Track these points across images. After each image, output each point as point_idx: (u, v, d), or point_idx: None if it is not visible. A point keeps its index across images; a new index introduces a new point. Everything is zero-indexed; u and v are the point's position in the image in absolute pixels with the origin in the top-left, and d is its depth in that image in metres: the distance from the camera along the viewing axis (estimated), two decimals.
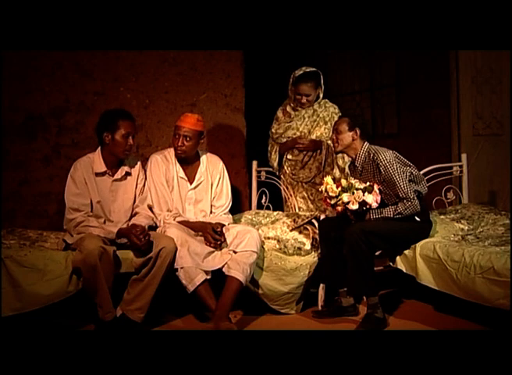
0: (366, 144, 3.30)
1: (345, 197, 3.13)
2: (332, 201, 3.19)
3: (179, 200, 3.40)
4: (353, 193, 3.13)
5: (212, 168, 3.48)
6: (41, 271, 2.93)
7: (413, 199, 3.15)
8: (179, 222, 3.29)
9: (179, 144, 3.31)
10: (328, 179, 3.24)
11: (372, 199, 3.13)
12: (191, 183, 3.41)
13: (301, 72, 3.77)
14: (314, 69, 3.79)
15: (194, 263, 3.09)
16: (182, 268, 3.07)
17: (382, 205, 3.21)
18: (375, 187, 3.16)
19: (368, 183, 3.17)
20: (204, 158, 3.47)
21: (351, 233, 3.10)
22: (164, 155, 3.42)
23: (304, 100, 3.79)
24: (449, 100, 4.50)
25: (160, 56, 4.18)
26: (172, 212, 3.34)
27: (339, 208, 3.20)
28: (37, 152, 4.00)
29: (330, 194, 3.19)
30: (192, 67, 4.27)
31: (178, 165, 3.40)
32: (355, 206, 3.13)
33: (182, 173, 3.40)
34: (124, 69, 4.15)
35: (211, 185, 3.46)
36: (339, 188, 3.16)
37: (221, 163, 3.52)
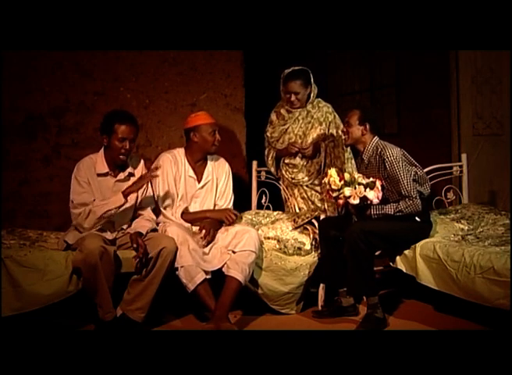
0: (376, 138, 3.30)
1: (347, 191, 3.14)
2: (334, 194, 3.20)
3: (186, 198, 3.43)
4: (356, 188, 3.13)
5: (218, 168, 3.55)
6: (41, 271, 2.93)
7: (415, 198, 3.15)
8: (189, 213, 3.41)
9: (218, 138, 3.44)
10: (333, 171, 3.23)
11: (373, 195, 3.12)
12: (199, 182, 3.45)
13: (290, 70, 3.76)
14: (302, 67, 3.77)
15: (195, 262, 3.10)
16: (182, 267, 3.07)
17: (385, 201, 3.21)
18: (378, 183, 3.15)
19: (370, 179, 3.17)
20: (210, 159, 3.53)
21: (351, 233, 3.10)
22: (173, 154, 3.47)
23: (293, 98, 3.75)
24: (449, 100, 4.50)
25: (160, 56, 4.18)
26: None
27: (341, 202, 3.21)
28: (37, 152, 4.00)
29: (333, 187, 3.19)
30: (192, 67, 4.27)
31: (187, 164, 3.45)
32: (356, 201, 3.13)
33: (191, 172, 3.45)
34: (124, 69, 4.14)
35: (217, 185, 3.52)
36: (342, 182, 3.17)
37: (226, 164, 3.60)
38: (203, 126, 3.41)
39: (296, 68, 3.76)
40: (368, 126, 3.27)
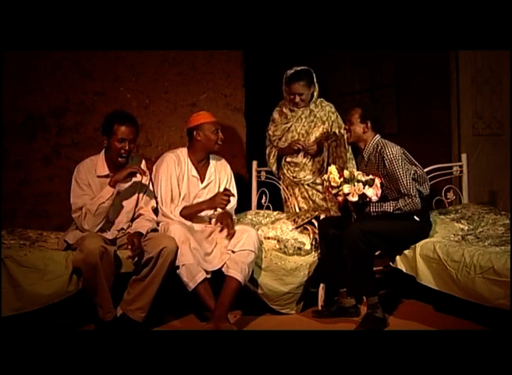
0: (377, 136, 3.30)
1: (346, 188, 3.15)
2: (334, 191, 3.22)
3: (188, 198, 3.44)
4: (355, 185, 3.14)
5: (220, 169, 3.57)
6: (41, 271, 2.93)
7: (414, 197, 3.15)
8: (186, 207, 3.37)
9: (221, 136, 3.45)
10: (333, 168, 3.25)
11: (372, 193, 3.13)
12: (202, 182, 3.47)
13: (292, 71, 3.76)
14: (305, 67, 3.78)
15: (196, 261, 3.10)
16: (183, 265, 3.08)
17: (385, 199, 3.21)
18: (377, 180, 3.15)
19: (369, 177, 3.17)
20: (212, 159, 3.55)
21: (350, 233, 3.10)
22: (177, 154, 3.48)
23: (297, 99, 3.77)
24: (449, 100, 4.50)
25: (160, 56, 4.18)
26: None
27: (340, 199, 3.22)
28: (37, 152, 4.00)
29: (332, 183, 3.21)
30: (192, 67, 4.27)
31: (190, 164, 3.46)
32: (355, 198, 3.14)
33: (194, 172, 3.46)
34: (124, 69, 4.15)
35: (219, 186, 3.52)
36: (341, 179, 3.18)
37: (228, 166, 3.62)
38: (206, 124, 3.42)
39: (299, 68, 3.76)
40: (369, 124, 3.28)
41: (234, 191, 3.56)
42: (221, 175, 3.55)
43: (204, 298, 3.08)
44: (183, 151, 3.50)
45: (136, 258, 3.01)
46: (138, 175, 3.26)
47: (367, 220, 3.22)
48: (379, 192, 3.15)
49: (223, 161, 3.62)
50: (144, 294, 3.01)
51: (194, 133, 3.43)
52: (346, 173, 3.20)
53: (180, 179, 3.42)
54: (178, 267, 3.08)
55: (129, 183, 3.19)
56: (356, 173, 3.19)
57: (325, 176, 3.28)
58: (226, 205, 3.33)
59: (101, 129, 3.21)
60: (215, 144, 3.44)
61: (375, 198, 3.14)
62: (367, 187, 3.13)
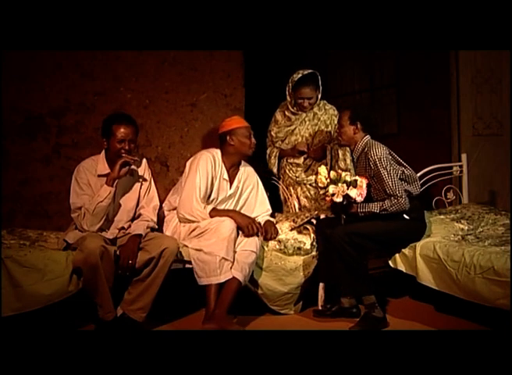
0: (366, 137, 3.30)
1: (331, 189, 3.18)
2: (321, 192, 3.25)
3: (216, 201, 3.42)
4: (339, 186, 3.16)
5: (247, 178, 3.54)
6: (41, 271, 2.93)
7: (400, 197, 3.14)
8: (215, 210, 3.34)
9: (254, 141, 3.46)
10: (322, 169, 3.27)
11: (356, 193, 3.14)
12: (231, 188, 3.46)
13: (299, 75, 3.75)
14: (311, 70, 3.78)
15: (231, 259, 3.12)
16: (223, 258, 3.08)
17: (373, 199, 3.22)
18: (364, 181, 3.16)
19: (354, 177, 3.19)
20: (242, 166, 3.54)
21: (335, 236, 3.12)
22: (213, 154, 3.43)
23: (306, 103, 3.78)
24: (449, 100, 4.50)
25: (160, 56, 4.18)
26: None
27: (328, 199, 3.24)
28: (37, 152, 4.00)
29: (319, 184, 3.25)
30: (192, 67, 4.27)
31: (223, 167, 3.44)
32: (339, 199, 3.15)
33: (226, 175, 3.44)
34: (124, 69, 4.14)
35: (240, 195, 3.51)
36: (328, 180, 3.19)
37: (255, 174, 3.60)
38: (239, 129, 3.40)
39: (306, 72, 3.75)
40: (359, 125, 3.28)
41: (263, 197, 3.58)
42: (246, 184, 3.52)
43: (211, 297, 3.06)
44: (218, 153, 3.45)
45: (128, 273, 3.02)
46: (138, 173, 3.27)
47: (355, 221, 3.22)
48: (364, 193, 3.16)
49: (252, 169, 3.59)
50: (145, 294, 3.01)
51: (227, 138, 3.39)
52: (332, 173, 3.22)
53: (214, 181, 3.40)
54: (212, 256, 3.08)
55: (127, 173, 3.16)
56: (343, 174, 3.21)
57: (314, 177, 3.31)
58: (249, 234, 3.25)
59: (101, 132, 3.21)
60: (249, 148, 3.42)
61: (359, 199, 3.15)
62: (351, 187, 3.14)
